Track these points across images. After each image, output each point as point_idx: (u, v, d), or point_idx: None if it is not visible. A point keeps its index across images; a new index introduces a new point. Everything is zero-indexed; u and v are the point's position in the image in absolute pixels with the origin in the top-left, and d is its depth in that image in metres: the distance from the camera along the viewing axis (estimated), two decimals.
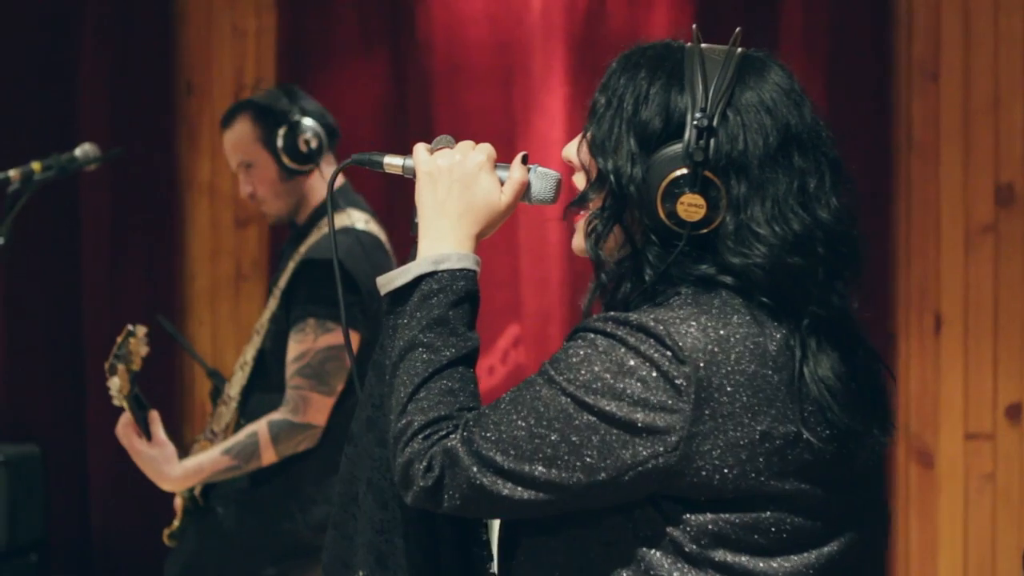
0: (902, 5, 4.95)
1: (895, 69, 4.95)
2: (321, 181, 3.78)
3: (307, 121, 3.76)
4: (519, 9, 5.19)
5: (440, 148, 1.98)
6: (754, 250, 1.78)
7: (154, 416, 3.55)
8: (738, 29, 1.88)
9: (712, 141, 1.80)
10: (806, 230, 1.79)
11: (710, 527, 1.76)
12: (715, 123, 1.80)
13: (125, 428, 3.55)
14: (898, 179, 4.94)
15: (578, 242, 1.93)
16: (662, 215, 1.82)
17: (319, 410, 3.62)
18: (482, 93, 5.22)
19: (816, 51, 4.91)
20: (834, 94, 4.77)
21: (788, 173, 1.81)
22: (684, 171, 1.80)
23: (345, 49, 5.34)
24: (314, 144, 3.74)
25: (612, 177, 1.84)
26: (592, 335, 1.79)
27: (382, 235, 3.78)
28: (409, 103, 5.28)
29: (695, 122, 1.80)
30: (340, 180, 3.83)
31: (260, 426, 3.61)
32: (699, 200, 1.80)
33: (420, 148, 1.98)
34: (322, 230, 3.73)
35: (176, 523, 3.80)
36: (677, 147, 1.81)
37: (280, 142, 3.75)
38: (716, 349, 1.75)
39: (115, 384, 3.43)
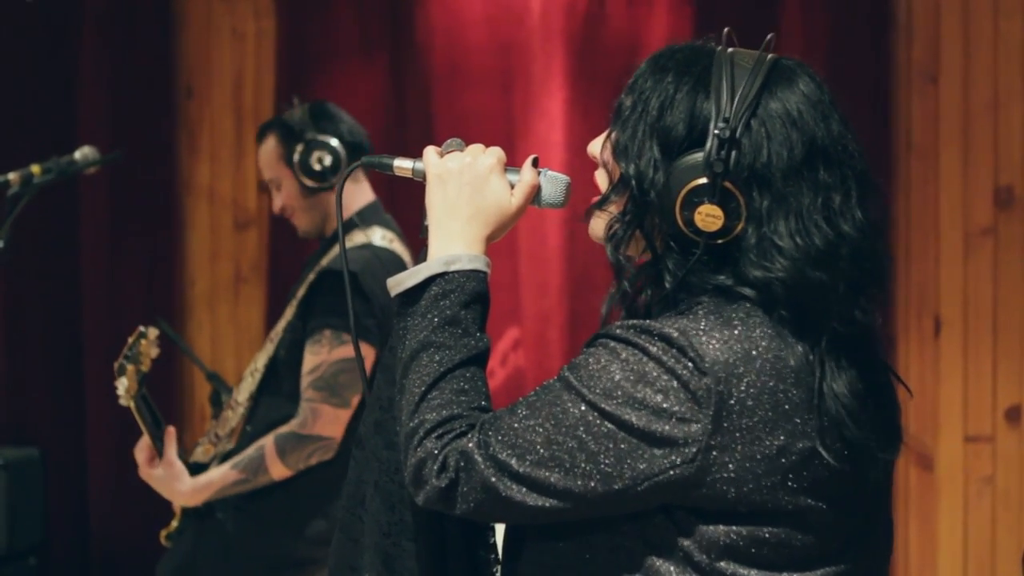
0: (901, 7, 4.96)
1: (894, 71, 4.96)
2: (347, 194, 3.79)
3: (323, 139, 3.77)
4: (518, 12, 5.19)
5: (450, 151, 1.97)
6: (776, 263, 1.77)
7: (170, 433, 3.57)
8: (770, 36, 1.87)
9: (734, 152, 1.78)
10: (830, 245, 1.78)
11: (722, 539, 1.76)
12: (739, 133, 1.78)
13: (139, 452, 3.59)
14: (897, 181, 4.95)
15: (594, 229, 1.92)
16: (680, 223, 1.80)
17: (330, 422, 3.61)
18: (481, 96, 5.22)
19: (815, 53, 4.91)
20: (833, 97, 4.76)
21: (812, 187, 1.79)
22: (704, 181, 1.79)
23: (344, 52, 5.34)
24: (327, 162, 3.76)
25: (634, 182, 1.83)
26: (613, 343, 1.78)
27: (406, 255, 3.78)
28: (408, 106, 5.28)
29: (717, 132, 1.78)
30: (370, 196, 3.85)
31: (267, 440, 3.61)
32: (717, 211, 1.78)
33: (430, 151, 1.98)
34: (346, 243, 3.73)
35: (174, 524, 3.79)
36: (699, 156, 1.80)
37: (296, 160, 3.77)
38: (737, 362, 1.74)
39: (123, 384, 3.42)
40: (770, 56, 1.85)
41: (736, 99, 1.80)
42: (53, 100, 5.55)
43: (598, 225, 1.90)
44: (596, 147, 1.93)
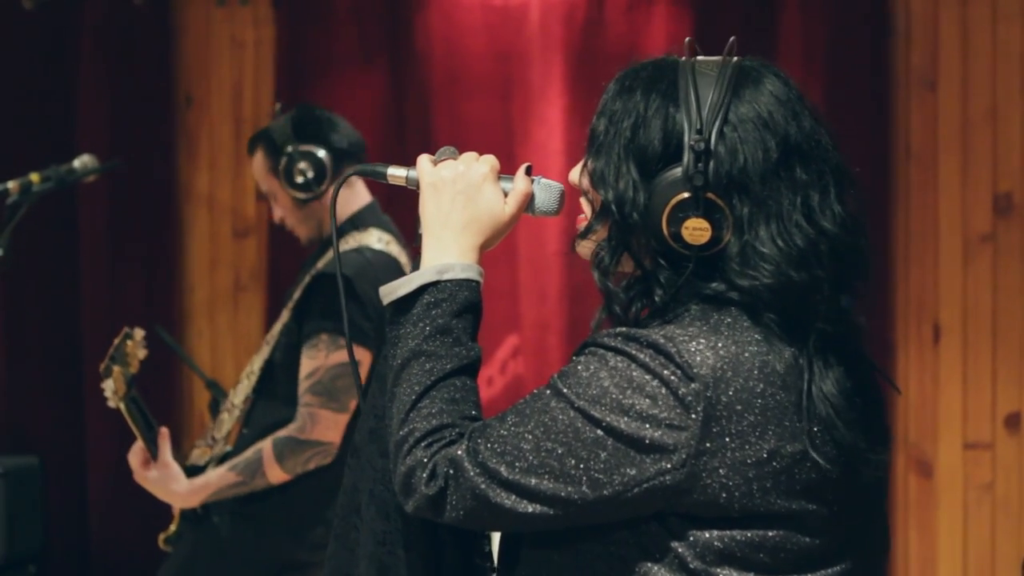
0: (900, 15, 4.96)
1: (893, 78, 4.96)
2: (341, 199, 3.78)
3: (306, 149, 3.75)
4: (517, 20, 5.19)
5: (444, 159, 1.97)
6: (760, 270, 1.77)
7: (163, 434, 3.56)
8: (732, 39, 1.86)
9: (711, 162, 1.78)
10: (810, 244, 1.78)
11: (716, 544, 1.76)
12: (712, 143, 1.79)
13: (133, 456, 3.58)
14: (897, 188, 4.95)
15: (583, 251, 1.92)
16: (668, 239, 1.81)
17: (329, 427, 3.61)
18: (480, 104, 5.23)
19: (815, 61, 4.92)
20: (832, 103, 4.78)
21: (791, 187, 1.79)
22: (686, 195, 1.79)
23: (344, 60, 5.35)
24: (310, 174, 3.74)
25: (614, 207, 1.83)
26: (602, 351, 1.79)
27: (402, 257, 3.77)
28: (408, 114, 5.28)
29: (692, 144, 1.78)
30: (367, 198, 3.84)
31: (265, 444, 3.61)
32: (703, 224, 1.79)
33: (424, 159, 1.98)
34: (341, 246, 3.73)
35: (173, 527, 3.79)
36: (677, 171, 1.80)
37: (281, 174, 3.77)
38: (725, 367, 1.74)
39: (109, 386, 3.42)
40: (734, 59, 1.85)
41: (706, 109, 1.80)
42: (52, 108, 5.56)
43: (586, 249, 1.90)
44: (575, 176, 1.93)
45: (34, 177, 3.72)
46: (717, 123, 1.79)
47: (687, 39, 1.88)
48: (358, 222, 3.78)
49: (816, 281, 1.78)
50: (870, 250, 1.85)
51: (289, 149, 3.75)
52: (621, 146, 1.84)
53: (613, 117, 1.85)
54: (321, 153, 3.75)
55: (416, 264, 1.94)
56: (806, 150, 1.81)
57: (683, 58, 1.87)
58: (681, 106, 1.81)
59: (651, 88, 1.84)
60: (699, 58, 1.86)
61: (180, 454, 3.68)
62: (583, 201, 1.92)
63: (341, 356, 3.59)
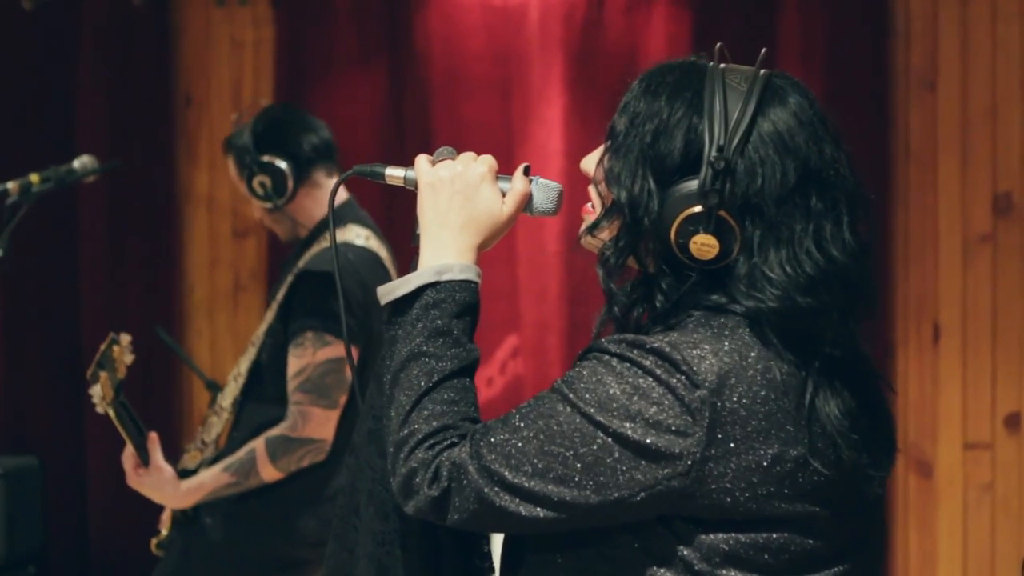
0: (899, 14, 4.96)
1: (893, 78, 4.96)
2: (312, 200, 3.80)
3: (267, 161, 3.76)
4: (517, 20, 5.19)
5: (442, 159, 1.97)
6: (766, 293, 1.77)
7: (153, 438, 3.56)
8: (763, 51, 1.85)
9: (728, 182, 1.78)
10: (819, 272, 1.78)
11: (721, 546, 1.76)
12: (732, 161, 1.78)
13: (126, 460, 3.58)
14: (896, 189, 4.95)
15: (589, 244, 1.92)
16: (675, 250, 1.81)
17: (320, 424, 3.61)
18: (480, 104, 5.23)
19: (814, 61, 4.91)
20: (832, 104, 4.76)
21: (805, 214, 1.79)
22: (699, 210, 1.79)
23: (343, 60, 5.35)
24: (269, 185, 3.76)
25: (627, 209, 1.83)
26: (607, 356, 1.78)
27: (382, 251, 3.78)
28: (407, 114, 5.28)
29: (711, 160, 1.78)
30: (344, 195, 3.84)
31: (258, 443, 3.61)
32: (712, 241, 1.78)
33: (422, 159, 1.98)
34: (321, 244, 3.74)
35: (164, 532, 3.79)
36: (693, 184, 1.79)
37: (245, 184, 3.80)
38: (729, 373, 1.74)
39: (97, 392, 3.41)
40: (763, 72, 1.84)
41: (730, 125, 1.79)
42: (52, 109, 5.56)
43: (591, 244, 1.90)
44: (590, 164, 1.92)
45: (34, 178, 3.71)
46: (740, 143, 1.78)
47: (718, 44, 1.87)
48: (336, 220, 3.77)
49: (823, 307, 1.78)
50: (875, 278, 1.85)
51: (249, 161, 3.76)
52: (640, 150, 1.83)
53: (635, 119, 1.85)
54: (282, 164, 3.75)
55: (414, 265, 1.94)
56: (824, 178, 1.80)
57: (711, 63, 1.85)
58: (704, 118, 1.80)
59: (676, 95, 1.83)
60: (728, 66, 1.85)
61: (176, 456, 3.68)
62: (592, 191, 1.91)
63: (328, 353, 3.59)
